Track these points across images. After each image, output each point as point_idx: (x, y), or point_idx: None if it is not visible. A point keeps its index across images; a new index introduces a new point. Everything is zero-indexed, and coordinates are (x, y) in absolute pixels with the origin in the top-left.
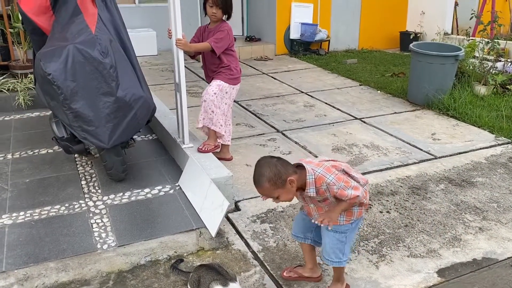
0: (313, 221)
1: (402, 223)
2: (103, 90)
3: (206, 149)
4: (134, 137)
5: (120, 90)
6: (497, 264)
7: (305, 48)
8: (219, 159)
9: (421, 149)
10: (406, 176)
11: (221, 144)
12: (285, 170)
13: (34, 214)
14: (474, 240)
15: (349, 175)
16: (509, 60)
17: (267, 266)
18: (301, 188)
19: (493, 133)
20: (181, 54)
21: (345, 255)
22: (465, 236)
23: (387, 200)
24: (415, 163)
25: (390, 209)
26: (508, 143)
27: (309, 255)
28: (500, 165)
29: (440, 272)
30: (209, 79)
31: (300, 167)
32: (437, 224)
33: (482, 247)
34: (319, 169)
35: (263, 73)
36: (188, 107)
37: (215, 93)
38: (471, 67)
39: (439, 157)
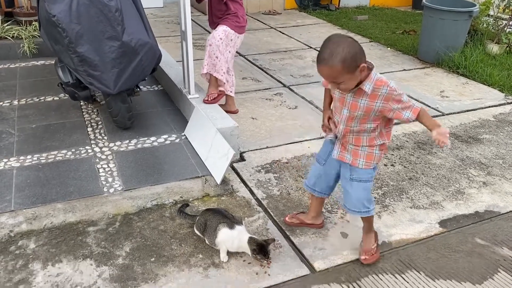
0: (333, 155)
1: (406, 176)
2: (109, 34)
3: (211, 98)
4: (140, 86)
5: (125, 35)
6: (499, 216)
7: (315, 2)
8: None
9: (429, 106)
10: (413, 132)
11: (226, 95)
12: (360, 54)
13: (41, 158)
14: (478, 194)
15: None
16: None
17: (271, 213)
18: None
19: (503, 92)
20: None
21: (372, 204)
22: (468, 190)
23: (393, 154)
24: None
25: (395, 162)
26: None
27: (316, 205)
28: (508, 123)
29: (442, 223)
30: (213, 25)
31: None
32: (441, 178)
33: (485, 201)
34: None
35: (271, 28)
36: (194, 60)
37: (221, 38)
38: (484, 25)
39: (447, 114)
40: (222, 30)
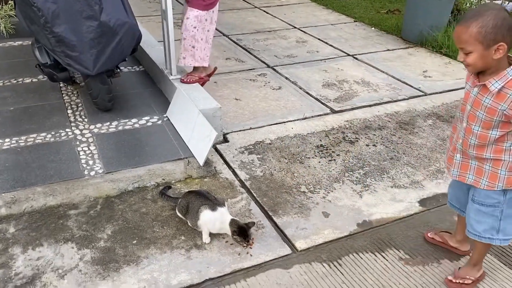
0: (451, 173)
1: (388, 156)
2: (86, 14)
3: (189, 80)
4: (121, 67)
5: (103, 15)
6: None
7: None
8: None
9: (412, 86)
10: (395, 112)
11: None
12: (506, 34)
13: (20, 141)
14: None
15: None
16: None
17: (254, 193)
18: (482, 74)
19: None
20: None
21: (502, 233)
22: None
23: (374, 134)
24: (404, 99)
25: (377, 142)
26: None
27: (461, 226)
28: None
29: (422, 201)
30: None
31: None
32: (422, 157)
33: None
34: None
35: (255, 7)
36: (175, 40)
37: (194, 27)
38: (468, 5)
39: (429, 94)
40: (193, 16)
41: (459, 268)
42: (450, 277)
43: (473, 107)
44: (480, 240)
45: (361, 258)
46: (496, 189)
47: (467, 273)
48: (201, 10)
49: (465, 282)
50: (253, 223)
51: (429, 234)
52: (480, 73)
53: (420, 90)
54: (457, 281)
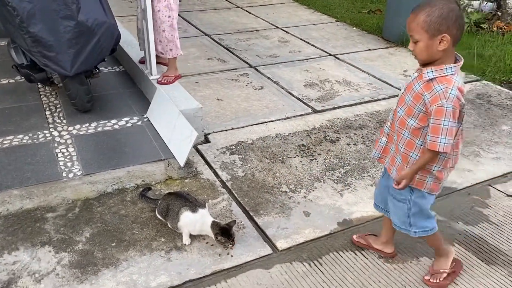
0: (373, 154)
1: (368, 155)
2: (63, 13)
3: (166, 80)
4: (100, 68)
5: (81, 14)
6: (456, 192)
7: None
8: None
9: (392, 85)
10: (375, 111)
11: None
12: (451, 24)
13: None
14: None
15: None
16: None
17: (235, 194)
18: (425, 65)
19: (463, 71)
20: None
21: (414, 226)
22: None
23: (355, 134)
24: (385, 98)
25: (357, 141)
26: (477, 80)
27: (386, 228)
28: (467, 101)
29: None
30: None
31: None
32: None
33: None
34: (455, 88)
35: (238, 7)
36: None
37: (169, 16)
38: None
39: None
40: (164, 7)
41: (432, 264)
42: (427, 277)
43: (406, 90)
44: (401, 231)
45: (341, 257)
46: (413, 189)
47: (439, 267)
48: None
49: (442, 276)
50: (234, 222)
51: (355, 237)
52: (426, 65)
53: (400, 90)
54: (434, 280)
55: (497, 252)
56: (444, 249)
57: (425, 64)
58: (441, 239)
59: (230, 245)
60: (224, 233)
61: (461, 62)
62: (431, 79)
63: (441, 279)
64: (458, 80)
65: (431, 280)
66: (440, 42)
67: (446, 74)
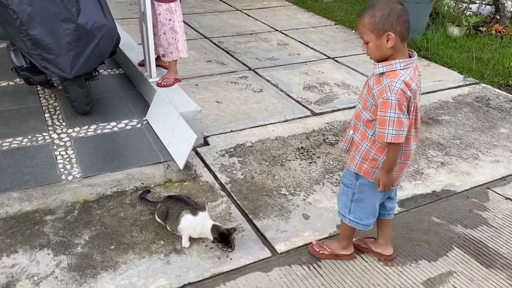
0: (342, 147)
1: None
2: (63, 16)
3: (166, 83)
4: (100, 70)
5: (81, 17)
6: (454, 195)
7: None
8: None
9: None
10: None
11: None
12: (393, 23)
13: None
14: (435, 174)
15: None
16: (484, 2)
17: (234, 197)
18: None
19: (462, 74)
20: None
21: (352, 214)
22: (427, 170)
23: None
24: None
25: None
26: (475, 83)
27: (381, 230)
28: (466, 105)
29: (401, 202)
30: None
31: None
32: None
33: (442, 180)
34: (400, 81)
35: (237, 10)
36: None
37: (170, 19)
38: (446, 8)
39: None
40: (164, 10)
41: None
42: (314, 244)
43: (364, 85)
44: (339, 216)
45: (341, 260)
46: (350, 169)
47: (329, 245)
48: (169, 2)
49: (325, 251)
50: (234, 229)
51: (354, 240)
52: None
53: None
54: (319, 250)
55: (496, 256)
56: (345, 244)
57: (379, 61)
58: (352, 237)
59: (229, 251)
60: (222, 239)
61: (414, 58)
62: (381, 74)
63: (321, 252)
64: (406, 74)
65: (316, 249)
66: (387, 40)
67: (395, 68)
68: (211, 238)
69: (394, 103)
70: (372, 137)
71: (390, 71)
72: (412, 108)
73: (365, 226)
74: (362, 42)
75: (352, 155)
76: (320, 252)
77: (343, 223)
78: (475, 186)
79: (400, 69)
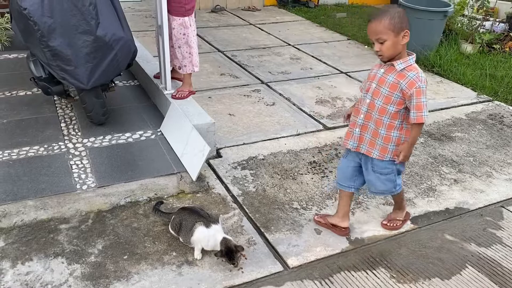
0: (348, 145)
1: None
2: (82, 29)
3: (181, 95)
4: (116, 82)
5: (99, 29)
6: (468, 213)
7: None
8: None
9: None
10: None
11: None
12: (407, 23)
13: (12, 154)
14: (448, 191)
15: None
16: (497, 19)
17: (246, 209)
18: (390, 61)
19: (475, 91)
20: None
21: (397, 185)
22: (440, 187)
23: None
24: None
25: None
26: (489, 100)
27: (344, 203)
28: (480, 122)
29: (413, 219)
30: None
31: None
32: (414, 175)
33: (455, 198)
34: (421, 72)
35: (250, 24)
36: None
37: (184, 34)
38: (459, 25)
39: None
40: (178, 24)
41: (390, 213)
42: (384, 221)
43: (378, 84)
44: (385, 195)
45: (353, 276)
46: (385, 159)
47: (396, 216)
48: (184, 17)
49: (397, 224)
50: (242, 248)
51: (316, 217)
52: (389, 61)
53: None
54: (391, 224)
55: (510, 275)
56: (403, 205)
57: (388, 60)
58: (404, 195)
59: (232, 266)
60: (228, 253)
61: (414, 54)
62: (401, 70)
63: (396, 225)
64: (418, 69)
65: (388, 224)
66: (403, 37)
67: (411, 63)
68: None
69: (424, 90)
70: (400, 125)
71: (409, 66)
72: None
73: (401, 184)
74: (376, 44)
75: (381, 147)
76: (394, 225)
77: (395, 197)
78: (489, 204)
79: (414, 63)
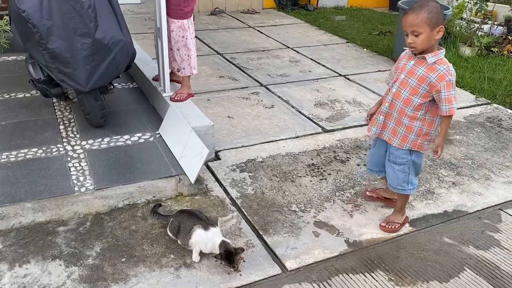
0: (372, 131)
1: (379, 176)
2: (81, 31)
3: (179, 98)
4: (114, 84)
5: (98, 32)
6: (466, 216)
7: (293, 2)
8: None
9: None
10: None
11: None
12: (443, 19)
13: (10, 156)
14: (447, 194)
15: None
16: (496, 22)
17: (245, 212)
18: (421, 53)
19: (473, 94)
20: None
21: (410, 184)
22: (438, 189)
23: (365, 154)
24: None
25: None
26: (487, 103)
27: (385, 181)
28: (478, 125)
29: (412, 222)
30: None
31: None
32: None
33: (454, 200)
34: (451, 65)
35: (250, 27)
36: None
37: (183, 37)
38: (457, 28)
39: None
40: (177, 27)
41: (389, 216)
42: (383, 223)
43: (407, 75)
44: (395, 191)
45: (351, 279)
46: (404, 148)
47: (395, 218)
48: (182, 19)
49: (395, 226)
50: (242, 250)
51: (367, 192)
52: (421, 54)
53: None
54: (389, 226)
55: (509, 278)
56: (404, 209)
57: (420, 53)
58: (408, 199)
59: (232, 269)
60: (227, 256)
61: (444, 49)
62: (432, 63)
63: (395, 227)
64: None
65: (386, 226)
66: (437, 32)
67: (441, 57)
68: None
69: (454, 83)
70: (423, 116)
71: (439, 59)
72: None
73: (416, 185)
74: (410, 36)
75: (402, 135)
76: (393, 227)
77: (400, 195)
78: (487, 207)
79: (444, 57)
